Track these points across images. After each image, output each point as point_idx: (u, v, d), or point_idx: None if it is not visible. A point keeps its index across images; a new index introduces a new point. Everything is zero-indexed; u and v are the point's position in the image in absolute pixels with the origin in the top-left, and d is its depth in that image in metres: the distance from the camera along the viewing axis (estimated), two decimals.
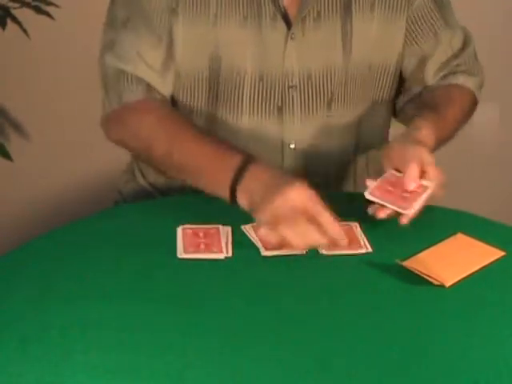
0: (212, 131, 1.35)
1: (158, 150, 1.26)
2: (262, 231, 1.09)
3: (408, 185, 1.13)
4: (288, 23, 1.31)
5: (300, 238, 1.07)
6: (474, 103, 1.45)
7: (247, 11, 1.30)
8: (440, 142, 1.30)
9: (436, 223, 1.22)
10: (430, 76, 1.43)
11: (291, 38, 1.31)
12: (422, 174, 1.14)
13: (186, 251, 1.09)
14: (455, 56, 1.43)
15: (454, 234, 1.17)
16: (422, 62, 1.42)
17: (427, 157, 1.15)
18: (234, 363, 0.89)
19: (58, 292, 1.01)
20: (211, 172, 1.20)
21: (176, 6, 1.30)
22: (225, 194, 1.16)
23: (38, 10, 1.97)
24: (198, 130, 1.27)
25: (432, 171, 1.14)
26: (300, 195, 1.09)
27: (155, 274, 1.06)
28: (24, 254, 1.10)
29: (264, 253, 1.10)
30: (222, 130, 1.36)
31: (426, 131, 1.23)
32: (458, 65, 1.43)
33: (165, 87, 1.33)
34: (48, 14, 1.97)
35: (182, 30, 1.31)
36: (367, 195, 1.14)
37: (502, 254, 1.13)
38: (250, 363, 0.89)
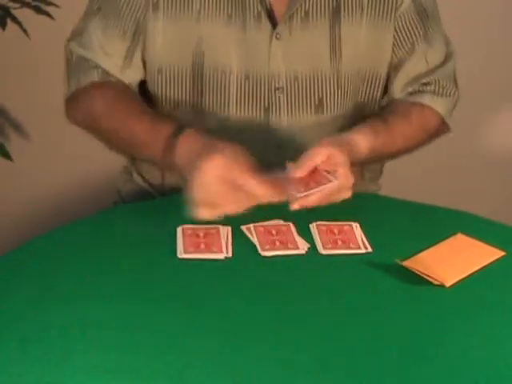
0: (199, 124, 1.35)
1: (105, 126, 1.31)
2: (200, 214, 1.12)
3: (292, 170, 1.14)
4: (274, 23, 1.31)
5: (235, 206, 1.12)
6: (439, 125, 1.42)
7: (231, 10, 1.30)
8: (379, 154, 1.31)
9: (436, 223, 1.22)
10: (399, 89, 1.41)
11: (276, 38, 1.30)
12: (333, 173, 1.15)
13: (185, 251, 1.09)
14: (427, 73, 1.41)
15: (454, 234, 1.17)
16: (396, 69, 1.40)
17: (340, 157, 1.16)
18: (234, 363, 0.89)
19: (58, 292, 1.01)
20: (149, 144, 1.24)
21: (157, 1, 1.30)
22: (163, 159, 1.21)
23: (38, 10, 1.97)
24: (136, 104, 1.32)
25: (341, 170, 1.15)
26: (217, 167, 1.11)
27: (155, 273, 1.06)
28: (24, 254, 1.10)
29: (263, 253, 1.10)
30: (210, 123, 1.35)
31: (358, 137, 1.24)
32: (427, 83, 1.40)
33: (125, 78, 1.36)
34: (48, 14, 1.97)
35: (163, 25, 1.31)
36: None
37: (502, 253, 1.13)
38: (250, 363, 0.89)
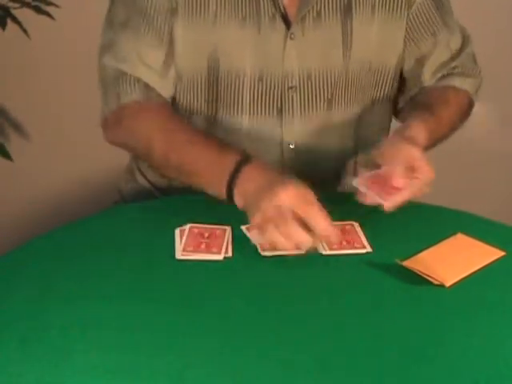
0: (212, 131, 1.35)
1: (156, 151, 1.26)
2: (252, 234, 1.10)
3: (395, 182, 1.13)
4: (287, 23, 1.31)
5: (286, 238, 1.06)
6: (470, 105, 1.45)
7: (246, 11, 1.30)
8: (433, 141, 1.30)
9: (436, 223, 1.22)
10: (428, 77, 1.43)
11: (290, 38, 1.31)
12: (412, 170, 1.14)
13: (185, 251, 1.09)
14: (453, 58, 1.44)
15: (454, 234, 1.17)
16: (420, 62, 1.42)
17: (417, 153, 1.15)
18: (234, 363, 0.89)
19: (58, 292, 1.01)
20: (208, 174, 1.20)
21: (176, 5, 1.29)
22: (222, 195, 1.16)
23: (38, 10, 1.97)
24: (195, 131, 1.28)
25: (422, 167, 1.14)
26: (289, 196, 1.08)
27: (155, 273, 1.06)
28: (24, 254, 1.10)
29: (263, 253, 1.10)
30: (222, 131, 1.36)
31: (416, 129, 1.23)
32: (455, 67, 1.44)
33: (165, 88, 1.33)
34: (48, 14, 1.97)
35: (182, 30, 1.30)
36: (355, 182, 1.15)
37: (502, 253, 1.13)
38: (250, 363, 0.89)
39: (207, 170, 1.20)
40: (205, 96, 1.35)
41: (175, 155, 1.24)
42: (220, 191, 1.16)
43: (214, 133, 1.35)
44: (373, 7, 1.34)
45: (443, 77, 1.43)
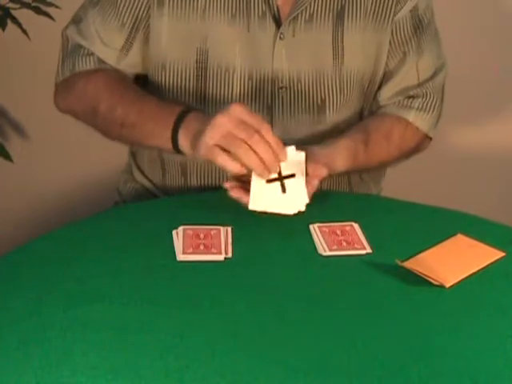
0: None
1: (102, 108, 1.31)
2: (220, 160, 1.11)
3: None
4: (278, 23, 1.31)
5: (251, 156, 1.10)
6: (421, 141, 1.45)
7: (236, 9, 1.30)
8: (351, 170, 1.35)
9: (436, 223, 1.22)
10: (385, 96, 1.43)
11: (280, 38, 1.31)
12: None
13: (185, 252, 1.09)
14: (416, 86, 1.42)
15: (454, 234, 1.17)
16: (385, 78, 1.42)
17: (323, 171, 1.21)
18: (233, 363, 0.89)
19: (58, 292, 1.01)
20: (152, 122, 1.25)
21: None
22: (167, 141, 1.21)
23: (38, 11, 1.97)
24: (143, 91, 1.32)
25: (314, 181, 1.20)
26: (237, 109, 1.12)
27: (155, 274, 1.06)
28: (24, 255, 1.10)
29: (251, 206, 1.13)
30: None
31: (338, 157, 1.29)
32: (414, 96, 1.42)
33: (119, 68, 1.37)
34: (48, 15, 1.97)
35: (168, 21, 1.32)
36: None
37: (502, 254, 1.13)
38: (250, 363, 0.89)
39: (152, 119, 1.25)
40: (193, 87, 1.35)
41: (120, 108, 1.28)
42: (164, 138, 1.21)
43: None
44: (365, 14, 1.34)
45: (400, 104, 1.42)
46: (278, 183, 1.14)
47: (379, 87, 1.43)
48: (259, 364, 0.89)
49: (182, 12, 1.31)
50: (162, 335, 0.93)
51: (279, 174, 1.14)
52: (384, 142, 1.38)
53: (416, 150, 1.46)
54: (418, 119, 1.42)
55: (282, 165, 1.14)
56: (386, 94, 1.43)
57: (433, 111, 1.43)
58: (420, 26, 1.40)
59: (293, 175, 1.15)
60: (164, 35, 1.33)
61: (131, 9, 1.33)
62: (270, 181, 1.14)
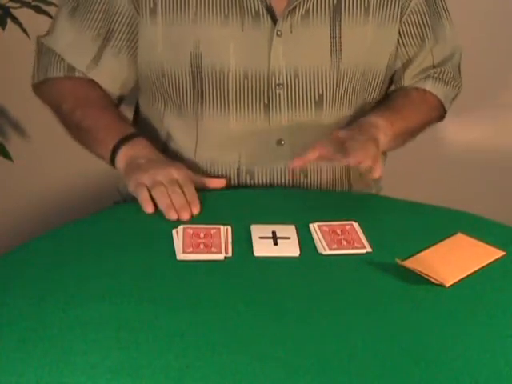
0: (199, 130, 1.37)
1: (64, 107, 1.38)
2: (141, 196, 1.20)
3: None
4: (274, 20, 1.31)
5: (165, 199, 1.18)
6: (438, 110, 1.48)
7: (228, 9, 1.31)
8: (396, 138, 1.35)
9: (436, 223, 1.22)
10: (407, 80, 1.46)
11: (277, 35, 1.31)
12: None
13: (185, 252, 1.09)
14: (435, 65, 1.46)
15: (454, 233, 1.17)
16: (405, 65, 1.45)
17: (373, 151, 1.21)
18: (234, 363, 0.89)
19: (58, 292, 1.01)
20: (104, 132, 1.33)
21: (154, 6, 1.31)
22: (106, 152, 1.30)
23: (39, 10, 1.97)
24: (105, 102, 1.38)
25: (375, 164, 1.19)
26: (178, 171, 1.23)
27: (155, 273, 1.06)
28: (24, 254, 1.10)
29: (257, 253, 1.10)
30: (211, 128, 1.36)
31: (382, 122, 1.30)
32: (435, 71, 1.46)
33: (89, 76, 1.39)
34: (48, 14, 1.97)
35: (162, 30, 1.32)
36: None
37: (502, 253, 1.13)
38: (250, 363, 0.89)
39: (105, 129, 1.33)
40: (191, 92, 1.35)
41: (80, 111, 1.36)
42: (106, 150, 1.30)
43: (201, 131, 1.36)
44: (366, 11, 1.34)
45: (418, 79, 1.46)
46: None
47: (390, 78, 1.46)
48: (259, 364, 0.89)
49: (174, 18, 1.31)
50: (162, 334, 0.93)
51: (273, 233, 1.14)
52: (410, 104, 1.42)
53: (433, 118, 1.49)
54: (435, 88, 1.46)
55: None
56: (406, 78, 1.47)
57: (449, 85, 1.48)
58: (434, 8, 1.44)
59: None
60: (159, 43, 1.33)
61: (105, 20, 1.36)
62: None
